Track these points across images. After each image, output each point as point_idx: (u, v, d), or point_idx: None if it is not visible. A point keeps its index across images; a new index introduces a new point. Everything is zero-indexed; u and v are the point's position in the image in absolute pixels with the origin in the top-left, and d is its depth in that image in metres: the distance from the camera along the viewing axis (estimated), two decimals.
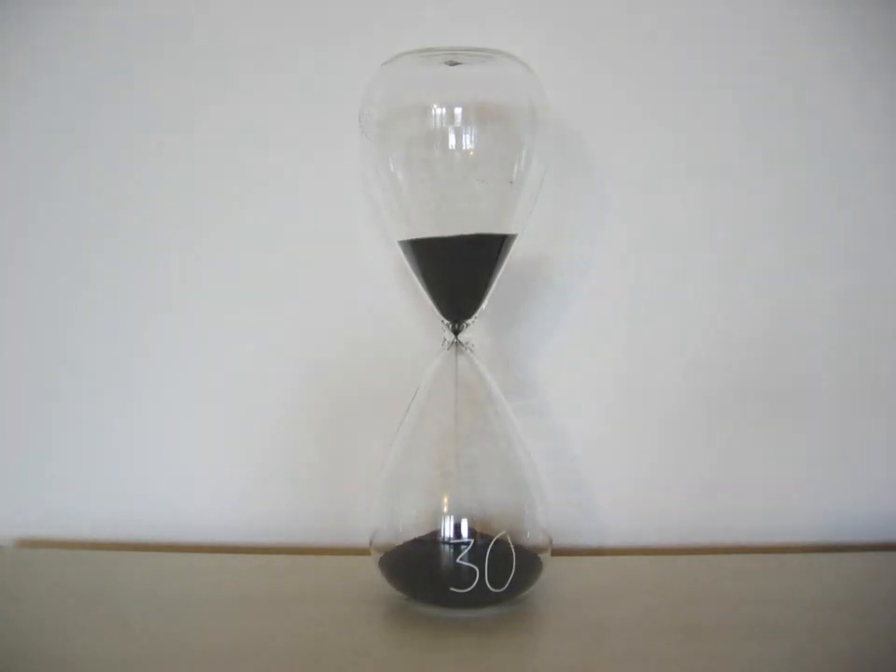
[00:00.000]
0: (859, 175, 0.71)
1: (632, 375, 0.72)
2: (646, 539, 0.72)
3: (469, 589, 0.55)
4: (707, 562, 0.68)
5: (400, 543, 0.58)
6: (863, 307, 0.72)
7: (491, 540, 0.56)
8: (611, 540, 0.72)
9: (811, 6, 0.70)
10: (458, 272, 0.58)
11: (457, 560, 0.55)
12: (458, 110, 0.55)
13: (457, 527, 0.56)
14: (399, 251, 0.59)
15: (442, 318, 0.60)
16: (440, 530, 0.57)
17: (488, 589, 0.55)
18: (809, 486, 0.72)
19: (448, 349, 0.60)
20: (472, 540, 0.56)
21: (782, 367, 0.72)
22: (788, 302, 0.72)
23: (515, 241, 0.58)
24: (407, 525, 0.58)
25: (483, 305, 0.60)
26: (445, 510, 0.57)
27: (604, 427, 0.72)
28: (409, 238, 0.58)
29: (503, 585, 0.55)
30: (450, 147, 0.55)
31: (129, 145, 0.73)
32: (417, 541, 0.57)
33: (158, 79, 0.72)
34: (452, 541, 0.56)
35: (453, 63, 0.55)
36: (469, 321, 0.60)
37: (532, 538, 0.58)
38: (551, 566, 0.59)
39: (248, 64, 0.72)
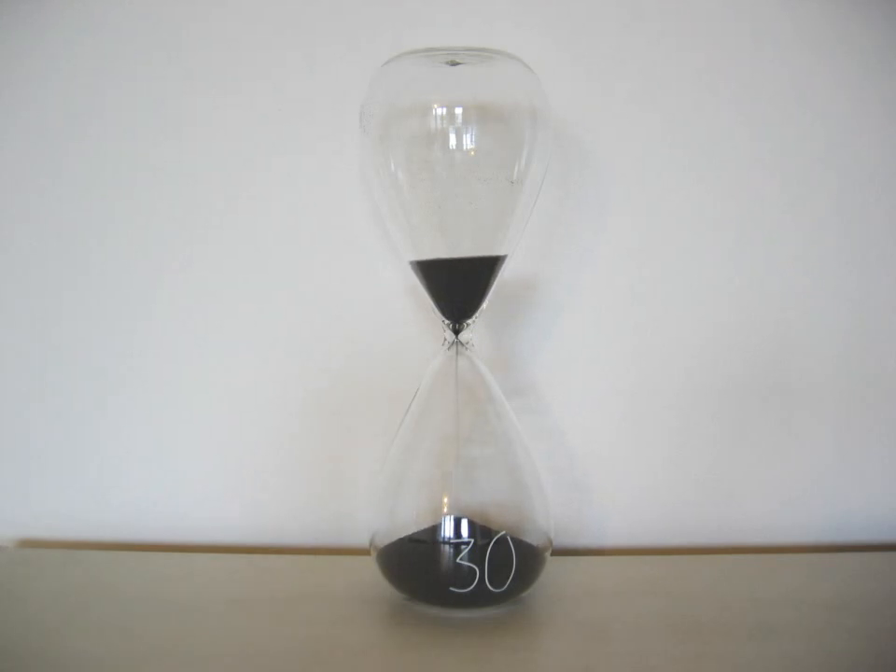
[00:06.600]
0: (863, 174, 0.71)
1: (633, 375, 0.72)
2: (646, 539, 0.72)
3: (469, 589, 0.55)
4: (707, 562, 0.68)
5: (400, 537, 0.58)
6: (866, 307, 0.72)
7: (491, 540, 0.56)
8: (611, 540, 0.72)
9: (814, 4, 0.70)
10: (459, 278, 0.59)
11: (457, 560, 0.55)
12: (459, 110, 0.55)
13: (457, 527, 0.56)
14: (399, 250, 0.59)
15: (443, 318, 0.60)
16: (438, 527, 0.57)
17: (488, 589, 0.55)
18: (809, 486, 0.72)
19: (448, 349, 0.60)
20: (472, 540, 0.56)
21: (783, 367, 0.72)
22: (789, 302, 0.72)
23: (516, 240, 0.58)
24: (407, 526, 0.58)
25: (484, 305, 0.60)
26: (445, 510, 0.57)
27: (604, 426, 0.72)
28: (411, 245, 0.58)
29: (503, 585, 0.55)
30: (451, 147, 0.55)
31: (129, 144, 0.73)
32: (417, 540, 0.57)
33: (158, 78, 0.72)
34: (452, 541, 0.56)
35: (454, 63, 0.55)
36: (470, 321, 0.60)
37: (532, 538, 0.58)
38: (551, 566, 0.59)
39: (248, 64, 0.72)
